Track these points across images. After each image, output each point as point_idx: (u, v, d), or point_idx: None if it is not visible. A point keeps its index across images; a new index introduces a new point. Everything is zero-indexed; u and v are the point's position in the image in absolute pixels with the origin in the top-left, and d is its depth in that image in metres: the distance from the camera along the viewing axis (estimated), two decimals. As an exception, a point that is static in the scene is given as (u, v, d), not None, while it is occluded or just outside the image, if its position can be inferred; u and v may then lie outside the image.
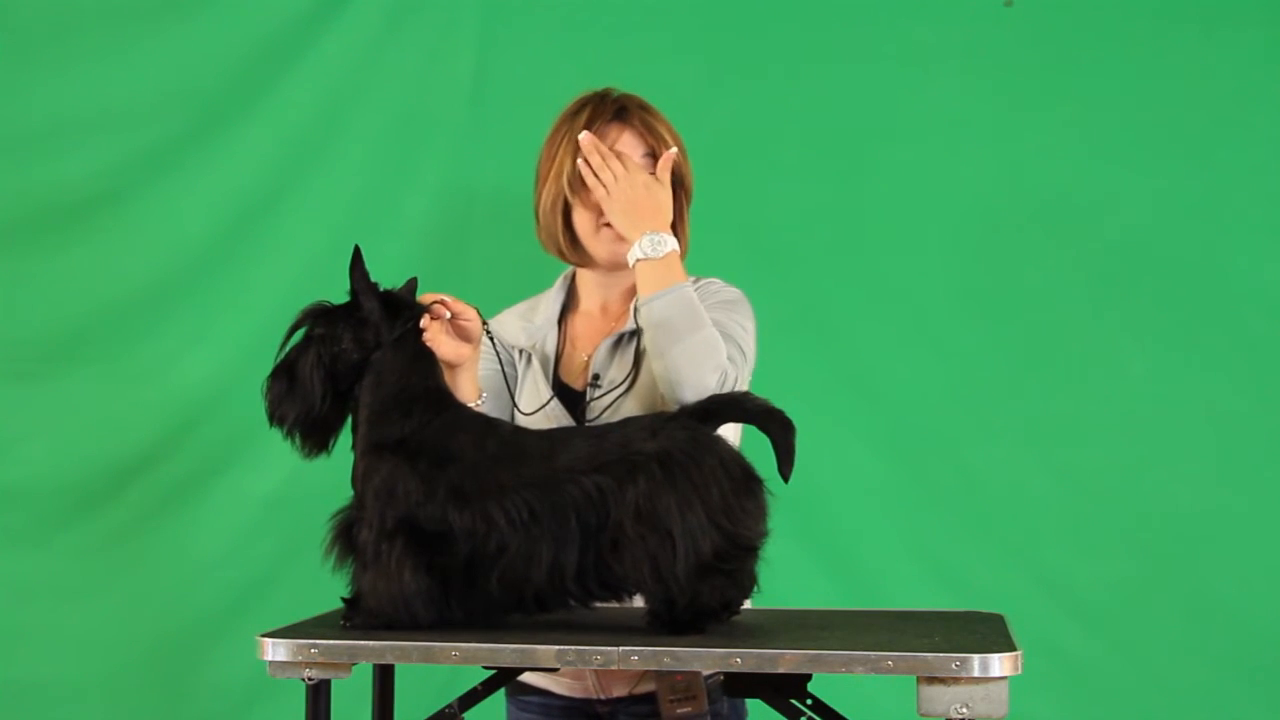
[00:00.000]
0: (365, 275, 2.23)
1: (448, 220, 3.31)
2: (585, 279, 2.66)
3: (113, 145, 3.27)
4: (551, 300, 2.67)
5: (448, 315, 2.34)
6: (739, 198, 3.25)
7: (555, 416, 2.54)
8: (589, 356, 2.59)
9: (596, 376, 2.55)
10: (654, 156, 2.55)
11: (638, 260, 2.41)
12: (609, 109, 2.57)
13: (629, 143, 2.56)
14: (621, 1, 3.31)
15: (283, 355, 2.24)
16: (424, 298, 2.32)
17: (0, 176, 3.27)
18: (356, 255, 2.23)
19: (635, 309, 2.48)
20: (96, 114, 3.27)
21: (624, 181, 2.44)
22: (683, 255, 2.62)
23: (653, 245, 2.41)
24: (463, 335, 2.39)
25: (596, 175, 2.46)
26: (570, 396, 2.57)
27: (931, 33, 3.25)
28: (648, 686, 2.53)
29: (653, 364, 2.40)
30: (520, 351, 2.64)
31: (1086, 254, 3.23)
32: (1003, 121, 3.24)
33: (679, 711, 2.39)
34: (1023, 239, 3.24)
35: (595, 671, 2.56)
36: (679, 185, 2.58)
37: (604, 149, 2.47)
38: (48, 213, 3.27)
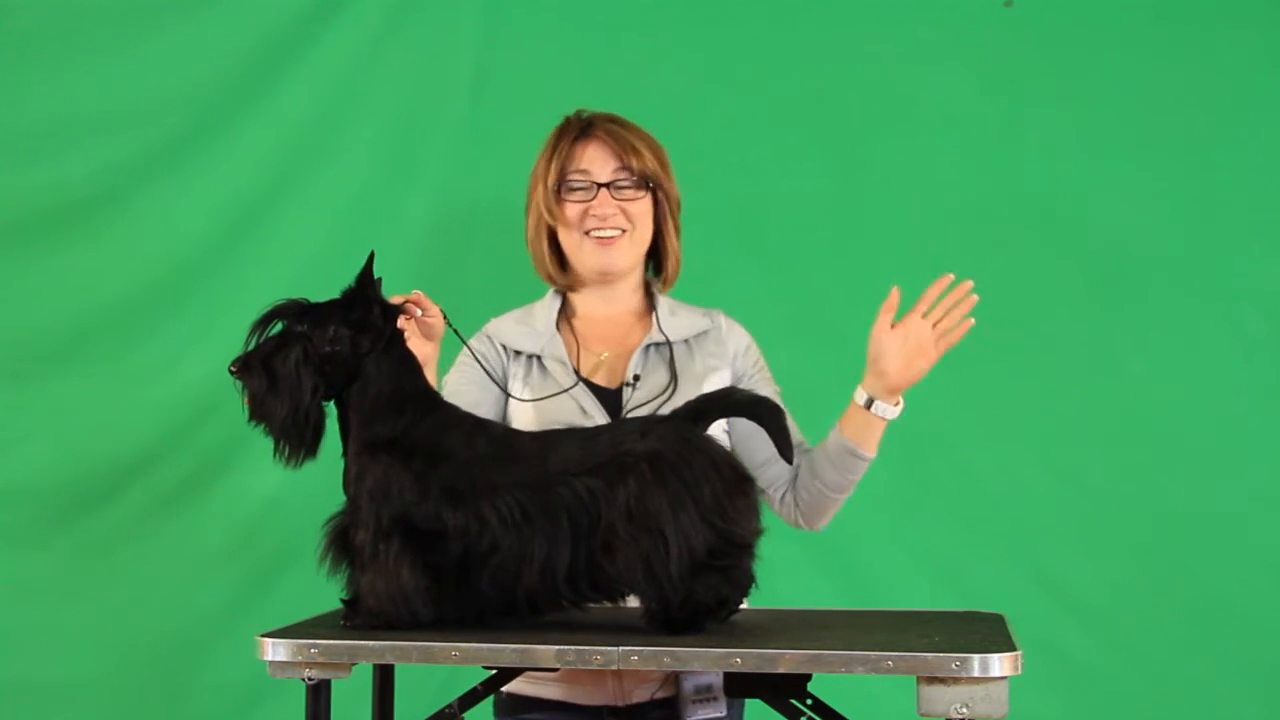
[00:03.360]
0: (373, 280, 2.23)
1: (447, 220, 3.31)
2: (581, 294, 2.68)
3: (113, 145, 3.27)
4: (547, 308, 2.68)
5: (419, 313, 2.36)
6: (739, 198, 3.25)
7: (583, 404, 2.54)
8: (602, 358, 2.61)
9: (636, 377, 2.57)
10: (628, 169, 2.57)
11: (886, 417, 2.50)
12: (574, 129, 2.62)
13: (596, 156, 2.59)
14: (620, 2, 3.31)
15: (253, 348, 2.18)
16: (395, 298, 2.31)
17: (0, 176, 3.27)
18: (370, 261, 2.21)
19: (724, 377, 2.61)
20: (96, 114, 3.27)
21: (920, 329, 2.46)
22: (677, 268, 2.67)
23: (895, 410, 2.49)
24: (426, 333, 2.42)
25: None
26: (600, 393, 2.58)
27: (931, 33, 3.25)
28: (667, 691, 2.53)
29: (823, 477, 2.56)
30: (519, 354, 2.64)
31: (1086, 254, 3.23)
32: (1003, 121, 3.24)
33: (700, 714, 2.41)
34: (1022, 238, 3.24)
35: (616, 677, 2.54)
36: (659, 190, 2.61)
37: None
38: (48, 213, 3.27)
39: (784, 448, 2.24)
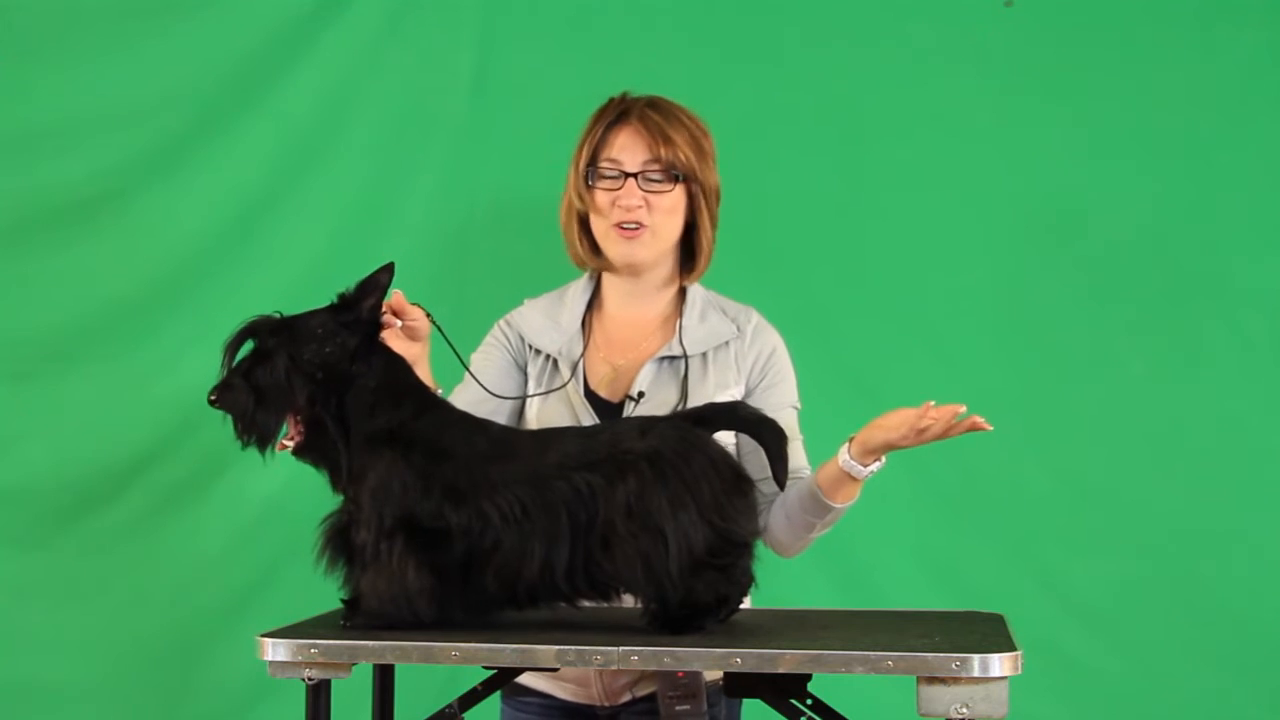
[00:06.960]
0: (376, 288, 2.21)
1: (448, 220, 3.31)
2: (612, 280, 2.63)
3: (113, 145, 3.27)
4: (577, 298, 2.64)
5: (398, 324, 2.34)
6: (739, 197, 3.22)
7: (580, 416, 2.51)
8: (615, 367, 2.57)
9: (641, 393, 2.51)
10: (658, 160, 2.51)
11: (853, 474, 2.40)
12: (611, 113, 2.56)
13: (627, 143, 2.53)
14: (620, 3, 3.30)
15: (229, 370, 2.15)
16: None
17: (0, 176, 3.27)
18: (390, 272, 2.20)
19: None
20: (97, 114, 3.27)
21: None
22: (708, 261, 2.62)
23: (864, 470, 2.40)
24: (411, 335, 2.38)
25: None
26: (601, 406, 2.54)
27: (931, 32, 3.25)
28: (648, 689, 2.53)
29: (786, 522, 2.50)
30: (537, 352, 2.60)
31: (1087, 254, 3.23)
32: (1003, 122, 3.24)
33: (678, 709, 2.39)
34: (1023, 239, 3.24)
35: (600, 676, 2.55)
36: (692, 181, 2.55)
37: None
38: (48, 213, 3.27)
39: (779, 471, 2.24)
